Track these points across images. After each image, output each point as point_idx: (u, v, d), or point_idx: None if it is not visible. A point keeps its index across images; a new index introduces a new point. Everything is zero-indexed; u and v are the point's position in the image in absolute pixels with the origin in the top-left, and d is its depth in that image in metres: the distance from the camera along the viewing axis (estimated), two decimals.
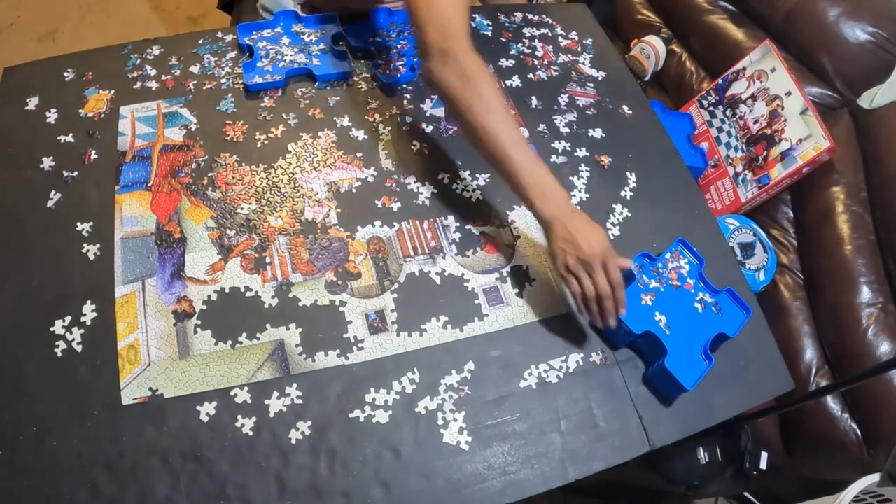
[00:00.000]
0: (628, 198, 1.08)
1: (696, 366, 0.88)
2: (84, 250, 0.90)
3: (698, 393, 0.89)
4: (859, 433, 1.16)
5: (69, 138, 1.02)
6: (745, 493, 1.34)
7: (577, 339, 0.92)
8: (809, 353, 1.28)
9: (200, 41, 1.19)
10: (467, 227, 1.00)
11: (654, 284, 0.94)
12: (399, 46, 1.20)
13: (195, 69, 1.14)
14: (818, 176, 1.38)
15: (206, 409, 0.79)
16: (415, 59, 1.17)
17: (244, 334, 0.85)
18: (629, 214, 1.05)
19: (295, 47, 1.17)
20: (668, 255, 0.97)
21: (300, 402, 0.81)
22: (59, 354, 0.81)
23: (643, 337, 0.89)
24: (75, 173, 0.98)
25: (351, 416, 0.81)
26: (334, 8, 1.24)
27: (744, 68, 1.52)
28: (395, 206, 1.00)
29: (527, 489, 0.80)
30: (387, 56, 1.18)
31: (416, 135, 1.09)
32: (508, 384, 0.87)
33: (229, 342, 0.84)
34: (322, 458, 0.78)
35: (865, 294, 1.23)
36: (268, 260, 0.92)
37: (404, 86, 1.16)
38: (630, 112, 1.21)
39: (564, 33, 1.35)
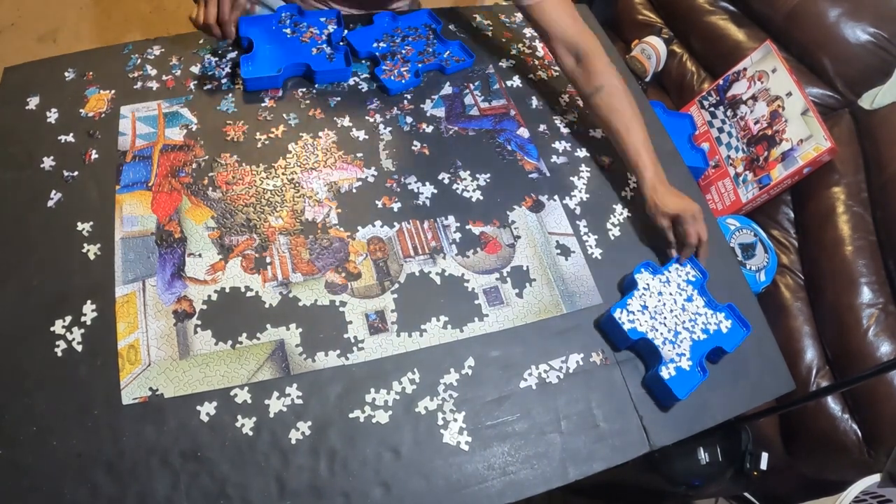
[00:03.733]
0: (628, 198, 1.08)
1: (691, 377, 0.88)
2: (84, 250, 0.90)
3: (699, 393, 0.89)
4: (860, 434, 1.16)
5: (69, 138, 1.02)
6: (746, 494, 1.34)
7: (578, 340, 0.92)
8: (810, 354, 1.28)
9: (201, 41, 1.18)
10: (467, 227, 1.00)
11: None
12: (403, 52, 1.19)
13: (196, 69, 1.14)
14: (819, 176, 1.38)
15: (206, 409, 0.79)
16: (419, 65, 1.17)
17: (244, 334, 0.85)
18: (629, 215, 1.05)
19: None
20: (672, 266, 0.97)
21: (300, 402, 0.81)
22: (59, 354, 0.81)
23: (640, 343, 0.90)
24: (76, 173, 0.98)
25: (351, 416, 0.81)
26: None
27: (744, 69, 1.52)
28: (396, 206, 1.00)
29: (527, 489, 0.80)
30: (391, 62, 1.18)
31: (416, 135, 1.09)
32: (508, 384, 0.87)
33: (229, 342, 0.84)
34: (322, 458, 0.78)
35: (866, 294, 1.23)
36: (268, 260, 0.92)
37: None
38: None
39: None
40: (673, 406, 0.88)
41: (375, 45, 1.20)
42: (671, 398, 0.86)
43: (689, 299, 0.95)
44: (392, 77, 1.15)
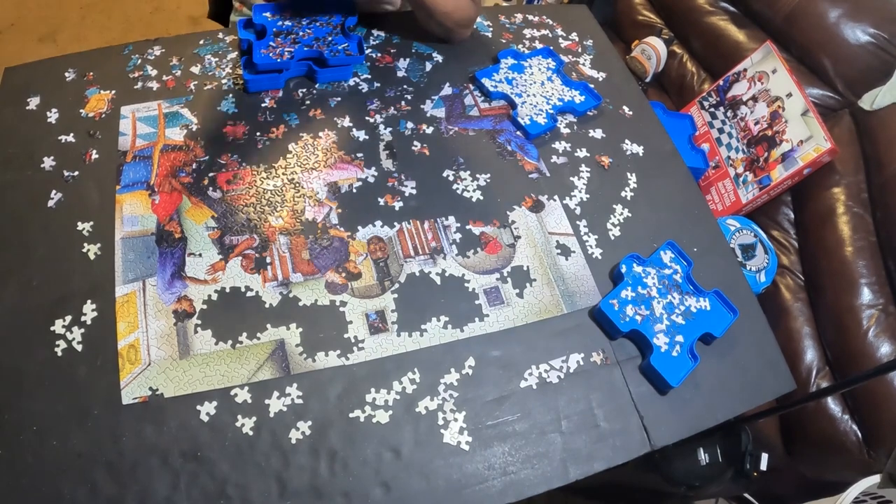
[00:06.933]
0: (628, 198, 1.08)
1: (682, 364, 0.89)
2: (84, 250, 0.90)
3: (699, 393, 0.89)
4: (860, 434, 1.16)
5: (70, 138, 1.02)
6: (746, 495, 1.34)
7: (578, 340, 0.92)
8: (810, 355, 1.28)
9: (201, 41, 1.19)
10: (467, 227, 1.00)
11: (644, 283, 0.95)
12: (301, 34, 1.15)
13: (196, 69, 1.14)
14: (819, 177, 1.38)
15: (207, 409, 0.79)
16: (305, 49, 1.12)
17: (244, 334, 0.85)
18: (629, 215, 1.05)
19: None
20: (657, 257, 0.98)
21: (300, 401, 0.81)
22: (60, 354, 0.81)
23: (631, 334, 0.91)
24: (76, 173, 0.98)
25: (351, 416, 0.81)
26: None
27: (745, 69, 1.52)
28: (396, 206, 1.00)
29: (527, 489, 0.80)
30: (282, 40, 1.13)
31: (416, 135, 1.09)
32: (509, 384, 0.87)
33: (229, 342, 0.84)
34: (322, 458, 0.78)
35: (866, 295, 1.23)
36: (268, 260, 0.92)
37: (405, 87, 1.16)
38: (630, 113, 1.21)
39: (565, 34, 1.35)
40: (678, 399, 0.89)
41: (280, 22, 1.15)
42: (665, 385, 0.87)
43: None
44: (270, 54, 1.10)
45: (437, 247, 0.97)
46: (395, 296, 0.91)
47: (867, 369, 0.91)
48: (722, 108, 1.57)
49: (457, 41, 1.24)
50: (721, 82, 1.58)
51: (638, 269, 0.96)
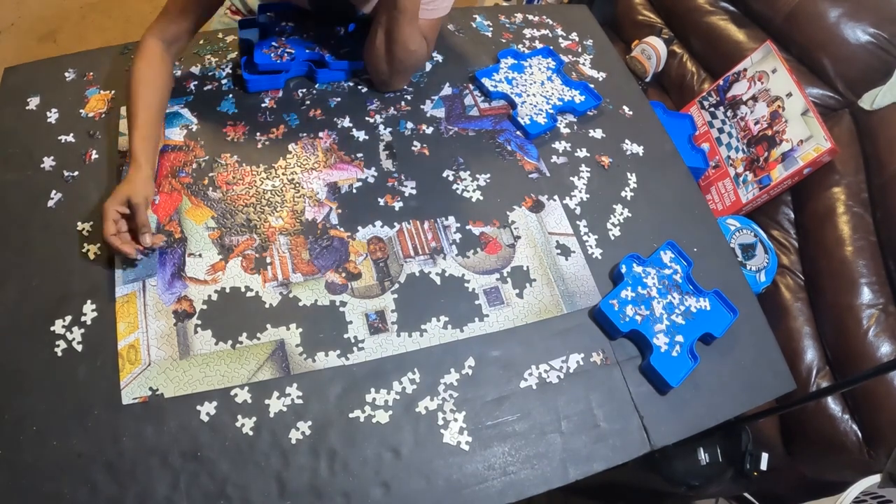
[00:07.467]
0: (629, 198, 1.08)
1: (682, 364, 0.89)
2: (84, 250, 0.90)
3: (699, 393, 0.89)
4: (860, 434, 1.16)
5: (70, 138, 1.02)
6: (746, 494, 1.34)
7: (578, 340, 0.92)
8: (810, 354, 1.28)
9: (201, 41, 1.19)
10: (467, 227, 1.00)
11: (644, 283, 0.95)
12: (306, 35, 1.15)
13: (196, 70, 1.14)
14: (819, 177, 1.38)
15: (207, 409, 0.79)
16: (306, 51, 1.13)
17: (244, 334, 0.85)
18: (629, 215, 1.05)
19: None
20: (657, 257, 0.98)
21: (300, 402, 0.81)
22: (60, 354, 0.81)
23: (631, 334, 0.91)
24: (76, 173, 0.98)
25: (351, 416, 0.81)
26: None
27: (745, 69, 1.52)
28: (396, 206, 1.00)
29: (527, 489, 0.80)
30: (284, 41, 1.13)
31: (416, 135, 1.09)
32: (509, 384, 0.87)
33: (229, 342, 0.84)
34: (322, 458, 0.78)
35: (866, 295, 1.23)
36: (268, 260, 0.92)
37: (405, 87, 1.16)
38: (630, 113, 1.21)
39: (565, 34, 1.35)
40: (678, 399, 0.89)
41: (283, 22, 1.16)
42: (665, 385, 0.88)
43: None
44: (271, 55, 1.11)
45: (437, 247, 0.97)
46: (395, 296, 0.91)
47: (867, 369, 0.91)
48: (722, 108, 1.57)
49: (392, 89, 1.14)
50: (721, 82, 1.58)
51: (638, 269, 0.96)
